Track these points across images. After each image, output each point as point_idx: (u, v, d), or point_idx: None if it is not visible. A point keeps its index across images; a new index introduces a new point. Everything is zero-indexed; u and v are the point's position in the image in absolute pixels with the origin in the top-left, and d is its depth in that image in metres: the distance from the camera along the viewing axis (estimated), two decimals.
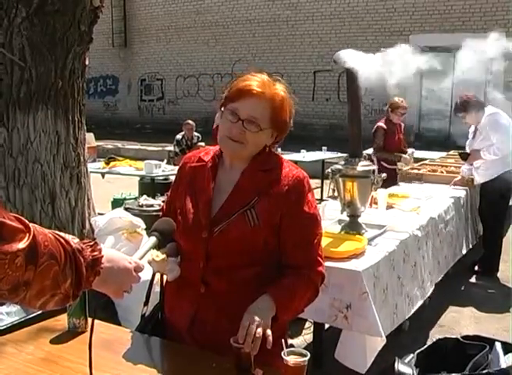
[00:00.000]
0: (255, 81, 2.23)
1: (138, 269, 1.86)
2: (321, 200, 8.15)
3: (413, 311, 4.58)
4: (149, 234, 2.12)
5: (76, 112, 5.28)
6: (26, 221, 1.47)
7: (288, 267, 2.25)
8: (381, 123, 8.13)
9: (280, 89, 2.26)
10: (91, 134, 12.99)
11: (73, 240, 1.62)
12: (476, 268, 7.07)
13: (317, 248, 2.28)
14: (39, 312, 2.43)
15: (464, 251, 6.67)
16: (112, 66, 27.85)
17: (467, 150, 7.04)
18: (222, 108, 2.26)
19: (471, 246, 6.93)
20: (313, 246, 2.27)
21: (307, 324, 5.11)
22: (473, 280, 6.96)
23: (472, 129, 7.06)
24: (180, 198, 2.37)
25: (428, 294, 4.93)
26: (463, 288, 6.67)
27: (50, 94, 4.99)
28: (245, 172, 2.29)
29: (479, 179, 6.92)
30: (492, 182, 6.72)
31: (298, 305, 2.26)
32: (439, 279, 5.46)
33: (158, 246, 2.17)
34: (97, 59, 25.24)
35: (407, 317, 4.46)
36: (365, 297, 3.74)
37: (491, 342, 3.24)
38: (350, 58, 4.09)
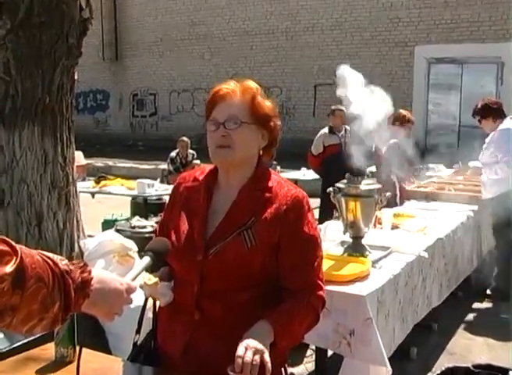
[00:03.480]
0: (223, 84, 2.31)
1: (130, 290, 1.87)
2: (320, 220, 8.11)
3: (404, 336, 4.56)
4: (143, 254, 2.12)
5: (65, 129, 5.29)
6: (13, 243, 1.48)
7: (287, 291, 2.25)
8: (393, 141, 7.87)
9: (248, 83, 2.34)
10: (80, 152, 12.99)
11: (62, 261, 1.63)
12: (488, 292, 7.05)
13: (317, 270, 2.29)
14: (25, 341, 2.43)
15: (468, 274, 6.65)
16: (103, 80, 27.94)
17: (479, 161, 7.06)
18: (205, 125, 2.32)
19: (474, 268, 6.91)
20: (313, 269, 2.28)
21: (309, 352, 5.10)
22: (485, 304, 6.92)
23: (488, 139, 7.06)
24: (174, 219, 2.39)
25: (420, 319, 4.91)
26: (474, 313, 6.64)
27: (37, 110, 5.01)
28: (242, 191, 2.31)
29: (485, 194, 6.93)
30: (498, 198, 6.72)
31: (297, 331, 2.26)
32: (437, 304, 5.42)
33: (150, 268, 2.18)
34: (87, 73, 25.31)
35: (399, 343, 4.44)
36: (369, 323, 3.73)
37: (505, 372, 3.23)
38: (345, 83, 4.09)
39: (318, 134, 9.63)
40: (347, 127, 9.39)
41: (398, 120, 7.91)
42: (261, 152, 2.38)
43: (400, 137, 7.81)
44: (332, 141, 9.36)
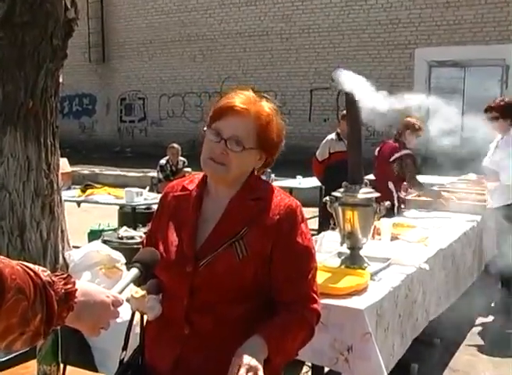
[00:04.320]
0: (239, 98, 2.28)
1: (117, 303, 1.86)
2: (319, 231, 8.10)
3: (404, 352, 4.56)
4: (130, 266, 2.11)
5: (49, 135, 5.28)
6: None
7: (280, 304, 2.26)
8: (407, 151, 7.74)
9: (266, 106, 2.31)
10: (65, 159, 13.00)
11: (44, 272, 1.62)
12: (492, 305, 7.05)
13: (311, 283, 2.29)
14: (4, 359, 2.41)
15: (468, 286, 6.64)
16: (89, 83, 27.93)
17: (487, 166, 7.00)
18: (205, 129, 2.30)
19: (474, 279, 6.91)
20: (307, 281, 2.28)
21: (305, 368, 5.09)
22: (490, 318, 6.91)
23: (494, 144, 7.00)
24: (162, 230, 2.39)
25: (418, 333, 4.91)
26: (478, 328, 6.63)
27: (19, 114, 5.01)
28: (233, 200, 2.31)
29: (493, 203, 6.93)
30: (508, 208, 6.73)
31: (292, 347, 2.26)
32: (435, 317, 5.42)
33: (139, 281, 2.17)
34: (73, 76, 25.30)
35: (398, 358, 4.44)
36: (368, 338, 3.72)
37: None
38: (348, 80, 4.11)
39: (325, 140, 9.63)
40: None
41: (409, 128, 7.74)
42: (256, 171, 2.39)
43: (410, 145, 7.75)
44: (338, 147, 9.33)
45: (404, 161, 7.66)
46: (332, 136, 9.56)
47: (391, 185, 7.65)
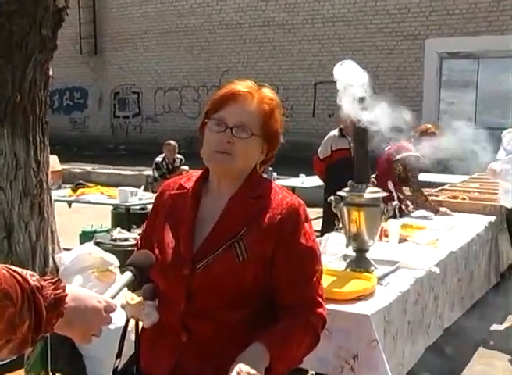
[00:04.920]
0: (239, 85, 2.30)
1: (109, 308, 1.86)
2: (322, 232, 8.07)
3: (415, 361, 4.56)
4: (124, 269, 2.11)
5: (38, 131, 5.28)
6: None
7: (282, 309, 2.26)
8: (416, 154, 7.59)
9: (269, 92, 2.33)
10: (55, 157, 13.01)
11: (32, 276, 1.62)
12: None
13: (316, 286, 2.29)
14: None
15: (484, 292, 6.64)
16: (80, 76, 27.95)
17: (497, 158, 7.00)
18: (206, 120, 2.30)
19: (491, 285, 6.91)
20: (311, 284, 2.28)
21: None
22: (505, 325, 6.89)
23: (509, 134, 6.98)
24: (158, 230, 2.39)
25: (432, 342, 4.91)
26: (492, 336, 6.59)
27: (6, 109, 5.00)
28: (233, 199, 2.31)
29: (507, 203, 6.93)
30: None
31: (296, 354, 2.26)
32: (449, 324, 5.42)
33: (133, 285, 2.18)
34: (63, 69, 25.33)
35: (409, 368, 4.45)
36: (374, 345, 3.72)
37: None
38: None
39: (327, 136, 9.59)
40: None
41: (425, 134, 7.69)
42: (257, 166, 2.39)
43: (423, 150, 7.66)
44: (341, 144, 9.29)
45: (409, 162, 7.60)
46: (335, 132, 9.51)
47: (390, 185, 7.62)
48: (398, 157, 7.54)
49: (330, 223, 7.94)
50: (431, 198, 7.76)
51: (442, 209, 7.30)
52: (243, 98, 2.26)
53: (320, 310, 2.28)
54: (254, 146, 2.29)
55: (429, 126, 7.62)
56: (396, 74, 19.34)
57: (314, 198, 9.56)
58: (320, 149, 9.58)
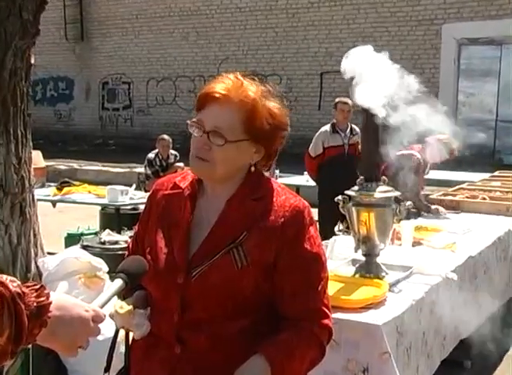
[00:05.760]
0: (220, 83, 2.29)
1: (98, 318, 1.86)
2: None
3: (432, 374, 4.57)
4: (115, 276, 2.11)
5: (19, 124, 5.28)
6: None
7: (285, 320, 2.26)
8: (417, 154, 7.50)
9: (250, 90, 2.29)
10: (39, 152, 13.00)
11: (12, 282, 1.62)
12: None
13: (321, 295, 2.30)
14: None
15: (506, 300, 6.62)
16: (66, 64, 27.95)
17: None
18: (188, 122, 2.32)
19: None
20: (316, 293, 2.28)
21: None
22: None
23: None
24: (150, 234, 2.40)
25: (447, 354, 4.90)
26: None
27: None
28: (231, 200, 2.31)
29: None
30: None
31: (299, 368, 2.26)
32: (468, 335, 5.41)
33: (123, 293, 2.18)
34: (46, 56, 25.34)
35: None
36: (387, 358, 3.73)
37: None
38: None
39: (318, 132, 9.54)
40: (355, 127, 9.35)
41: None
42: (255, 163, 2.37)
43: (432, 161, 7.60)
44: (333, 141, 9.29)
45: (417, 167, 7.55)
46: (326, 128, 9.49)
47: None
48: (400, 153, 7.53)
49: (327, 225, 7.97)
50: (447, 197, 7.75)
51: (435, 208, 7.30)
52: (219, 99, 2.25)
53: (325, 321, 2.29)
54: (236, 151, 2.28)
55: (446, 140, 7.47)
56: (410, 63, 19.27)
57: None
58: (311, 146, 9.55)
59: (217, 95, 2.25)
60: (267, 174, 2.45)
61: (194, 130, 2.28)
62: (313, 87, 22.04)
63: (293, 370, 2.23)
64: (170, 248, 2.30)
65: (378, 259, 4.57)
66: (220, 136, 2.23)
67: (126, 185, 10.10)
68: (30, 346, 1.72)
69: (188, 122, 2.30)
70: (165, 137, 12.16)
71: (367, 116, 4.43)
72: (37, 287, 1.70)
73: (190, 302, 2.24)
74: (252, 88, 2.30)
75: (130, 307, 2.24)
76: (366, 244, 4.50)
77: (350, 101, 8.79)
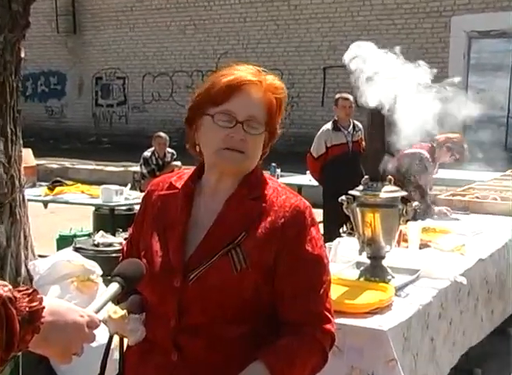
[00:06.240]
0: (244, 71, 2.30)
1: (93, 324, 1.87)
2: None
3: None
4: (110, 280, 2.11)
5: (9, 121, 5.28)
6: None
7: (285, 324, 2.27)
8: (425, 153, 7.43)
9: (276, 80, 2.33)
10: (29, 150, 12.99)
11: (3, 287, 1.63)
12: None
13: (323, 298, 2.30)
14: None
15: None
16: (57, 58, 27.92)
17: None
18: (210, 113, 2.28)
19: None
20: (318, 296, 2.28)
21: None
22: None
23: None
24: (145, 236, 2.40)
25: (456, 361, 4.90)
26: None
27: None
28: (230, 200, 2.32)
29: None
30: None
31: None
32: (477, 342, 5.41)
33: (118, 298, 2.18)
34: (37, 50, 25.34)
35: None
36: (393, 365, 3.73)
37: None
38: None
39: (320, 131, 9.51)
40: (357, 123, 9.34)
41: (446, 148, 7.60)
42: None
43: (441, 160, 7.57)
44: (336, 139, 9.27)
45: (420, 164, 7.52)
46: (328, 126, 9.46)
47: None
48: (408, 151, 7.50)
49: (331, 227, 7.97)
50: (456, 197, 7.74)
51: (440, 210, 7.26)
52: (251, 87, 2.26)
53: (328, 326, 2.29)
54: (261, 141, 2.32)
55: (456, 140, 7.41)
56: (418, 57, 19.25)
57: (322, 198, 9.56)
58: (313, 146, 9.51)
59: (250, 83, 2.26)
60: (268, 173, 2.46)
61: (222, 123, 2.25)
62: (316, 82, 22.01)
63: None
64: (166, 251, 2.31)
65: (384, 262, 4.57)
66: (257, 124, 2.26)
67: (120, 185, 10.10)
68: (20, 353, 1.72)
69: (211, 114, 2.26)
70: (162, 134, 12.16)
71: (372, 113, 4.44)
72: (30, 291, 1.70)
73: (187, 306, 2.24)
74: (279, 81, 2.34)
75: (124, 312, 2.24)
76: (371, 246, 4.50)
77: (351, 97, 8.80)
